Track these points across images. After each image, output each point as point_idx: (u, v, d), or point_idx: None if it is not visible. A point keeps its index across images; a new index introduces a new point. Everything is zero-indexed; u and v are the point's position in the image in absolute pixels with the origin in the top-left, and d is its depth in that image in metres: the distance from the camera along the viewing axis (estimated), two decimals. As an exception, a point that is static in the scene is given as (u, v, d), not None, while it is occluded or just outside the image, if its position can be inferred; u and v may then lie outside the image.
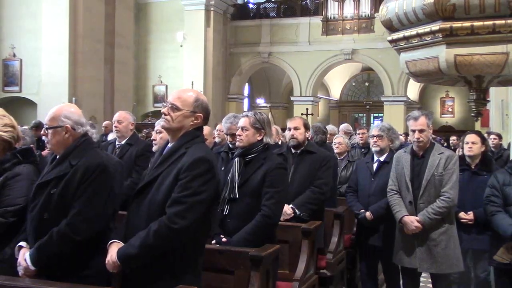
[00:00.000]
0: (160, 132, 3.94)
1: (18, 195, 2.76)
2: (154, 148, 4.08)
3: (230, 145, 4.47)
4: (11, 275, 2.54)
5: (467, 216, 4.47)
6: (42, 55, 14.09)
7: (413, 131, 4.12)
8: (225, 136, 4.66)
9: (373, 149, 4.71)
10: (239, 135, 3.49)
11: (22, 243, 2.66)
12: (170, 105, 2.58)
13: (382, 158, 4.65)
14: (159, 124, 4.07)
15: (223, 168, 4.19)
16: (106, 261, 2.47)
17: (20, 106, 14.27)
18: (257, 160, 3.41)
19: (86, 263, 2.58)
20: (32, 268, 2.53)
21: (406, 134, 11.35)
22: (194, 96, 2.63)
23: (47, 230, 2.54)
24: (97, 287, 2.39)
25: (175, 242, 2.42)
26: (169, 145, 2.64)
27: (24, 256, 2.57)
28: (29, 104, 14.32)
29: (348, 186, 4.97)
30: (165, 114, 2.58)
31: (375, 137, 4.67)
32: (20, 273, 2.58)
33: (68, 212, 2.54)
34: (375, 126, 4.81)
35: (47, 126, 2.72)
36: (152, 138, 4.23)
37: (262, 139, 3.47)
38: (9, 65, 14.89)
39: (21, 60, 14.74)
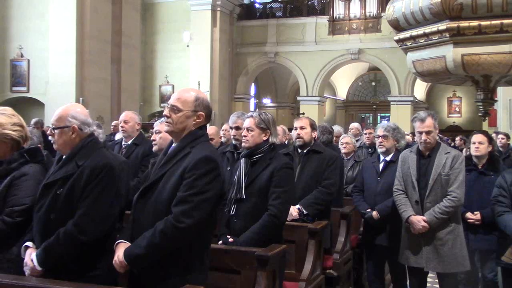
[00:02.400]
0: (159, 132, 3.93)
1: (25, 195, 2.76)
2: (154, 149, 4.07)
3: (234, 140, 4.46)
4: (18, 275, 2.55)
5: (474, 216, 4.45)
6: (50, 56, 14.19)
7: (420, 132, 4.10)
8: (230, 129, 4.63)
9: (379, 149, 4.70)
10: (245, 136, 3.48)
11: (29, 243, 2.66)
12: (170, 107, 2.59)
13: (388, 158, 4.64)
14: (157, 124, 4.07)
15: (228, 168, 4.19)
16: (113, 261, 2.48)
17: (27, 106, 14.36)
18: (263, 160, 3.41)
19: (93, 264, 2.58)
20: (39, 268, 2.54)
21: (413, 134, 11.31)
22: (194, 95, 2.64)
23: (53, 231, 2.54)
24: (105, 287, 2.40)
25: (182, 241, 2.43)
26: (174, 145, 2.65)
27: (30, 257, 2.58)
28: (37, 104, 14.41)
29: (354, 186, 4.97)
30: (167, 117, 2.59)
31: (380, 137, 4.66)
32: (26, 274, 2.58)
33: (74, 213, 2.54)
34: (381, 126, 4.79)
35: (53, 126, 2.72)
36: (151, 138, 4.22)
37: (267, 139, 3.47)
38: (17, 66, 15.00)
39: (28, 61, 14.84)
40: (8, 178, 2.80)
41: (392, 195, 4.29)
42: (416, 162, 4.15)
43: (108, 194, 2.59)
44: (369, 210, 4.56)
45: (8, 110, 2.96)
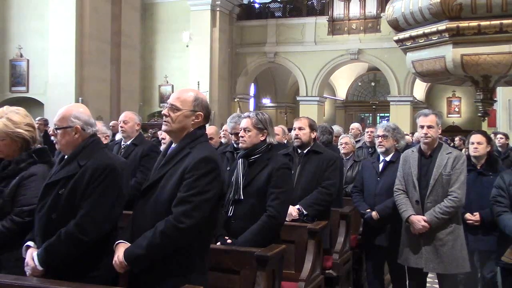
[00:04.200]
0: None
1: (34, 194, 2.76)
2: (163, 147, 4.07)
3: (235, 145, 4.47)
4: (24, 274, 2.56)
5: (473, 217, 4.45)
6: (49, 56, 14.19)
7: (422, 126, 4.10)
8: (230, 135, 4.65)
9: (378, 149, 4.70)
10: (242, 136, 3.47)
11: (30, 243, 2.66)
12: (169, 106, 2.61)
13: (388, 158, 4.64)
14: None
15: (228, 168, 4.19)
16: (113, 262, 2.48)
17: (27, 106, 14.14)
18: (261, 160, 3.40)
19: (94, 264, 2.58)
20: (39, 268, 2.53)
21: (413, 134, 11.33)
22: (193, 95, 2.65)
23: (54, 231, 2.53)
24: (105, 287, 2.40)
25: (182, 241, 2.43)
26: (173, 145, 2.66)
27: (31, 256, 2.57)
28: (36, 104, 14.40)
29: (354, 186, 4.97)
30: (165, 116, 2.60)
31: (380, 137, 4.66)
32: (27, 273, 2.58)
33: (76, 213, 2.54)
34: (380, 126, 4.79)
35: (56, 127, 2.72)
36: (161, 137, 4.23)
37: (265, 140, 3.45)
38: (16, 66, 14.99)
39: (28, 61, 14.84)
40: (17, 178, 2.82)
41: (392, 195, 4.29)
42: (418, 161, 4.15)
43: (110, 195, 2.58)
44: (368, 210, 4.56)
45: (22, 110, 3.01)
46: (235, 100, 17.46)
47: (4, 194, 2.81)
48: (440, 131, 4.21)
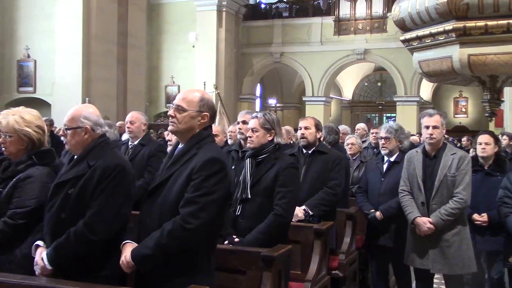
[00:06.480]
0: None
1: (29, 197, 2.76)
2: (169, 149, 4.08)
3: (239, 134, 4.44)
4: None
5: (481, 218, 4.43)
6: (56, 56, 14.27)
7: (427, 127, 4.07)
8: (237, 123, 4.64)
9: (382, 151, 4.68)
10: (250, 137, 3.49)
11: (39, 242, 2.67)
12: (175, 107, 2.60)
13: (392, 158, 4.62)
14: None
15: (233, 167, 4.19)
16: (120, 262, 2.49)
17: (34, 106, 13.96)
18: (268, 160, 3.42)
19: (101, 264, 2.59)
20: (48, 267, 2.54)
21: (420, 134, 11.28)
22: (199, 95, 2.65)
23: (64, 230, 2.55)
24: (112, 287, 2.41)
25: (189, 242, 2.44)
26: (180, 146, 2.66)
27: (41, 255, 2.58)
28: (43, 104, 14.46)
29: (358, 186, 4.95)
30: (172, 117, 2.60)
31: (382, 139, 4.63)
32: (36, 273, 2.59)
33: (85, 212, 2.55)
34: (383, 128, 4.73)
35: (66, 127, 2.74)
36: (167, 138, 4.24)
37: (272, 139, 3.48)
38: (24, 66, 15.07)
39: (35, 61, 14.91)
40: (14, 180, 2.82)
41: (396, 195, 4.27)
42: (422, 162, 4.12)
43: (119, 194, 2.60)
44: (372, 210, 4.55)
45: (36, 112, 3.06)
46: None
47: (1, 196, 2.81)
48: (444, 131, 4.18)
